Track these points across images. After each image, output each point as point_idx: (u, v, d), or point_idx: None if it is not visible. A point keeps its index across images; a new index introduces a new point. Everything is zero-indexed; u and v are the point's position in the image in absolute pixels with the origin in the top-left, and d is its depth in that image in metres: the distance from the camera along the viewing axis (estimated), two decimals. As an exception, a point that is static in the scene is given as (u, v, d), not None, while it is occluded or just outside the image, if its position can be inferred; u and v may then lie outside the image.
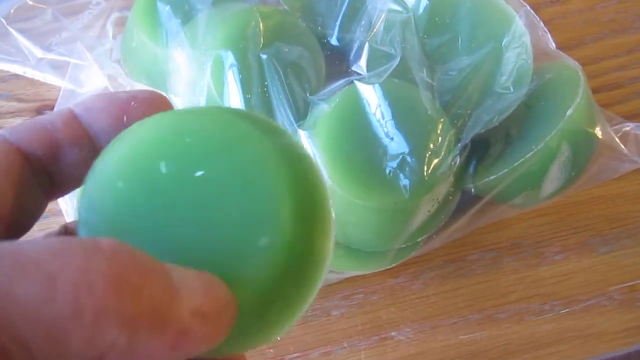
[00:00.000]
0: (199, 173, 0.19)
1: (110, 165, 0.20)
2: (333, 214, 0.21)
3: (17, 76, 0.42)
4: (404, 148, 0.35)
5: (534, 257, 0.43)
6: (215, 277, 0.18)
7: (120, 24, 0.45)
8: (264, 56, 0.37)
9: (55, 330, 0.14)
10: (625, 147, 0.40)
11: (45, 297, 0.14)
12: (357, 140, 0.35)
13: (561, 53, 0.41)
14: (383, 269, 0.38)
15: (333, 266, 0.37)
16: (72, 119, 0.22)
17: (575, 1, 0.53)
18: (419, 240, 0.38)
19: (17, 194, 0.20)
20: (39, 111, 0.44)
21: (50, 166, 0.21)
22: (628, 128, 0.40)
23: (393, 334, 0.41)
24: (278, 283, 0.19)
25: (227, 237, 0.18)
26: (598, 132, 0.38)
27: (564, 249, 0.44)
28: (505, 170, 0.37)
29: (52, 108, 0.40)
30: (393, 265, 0.38)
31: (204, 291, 0.17)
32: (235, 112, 0.22)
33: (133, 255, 0.16)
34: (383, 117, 0.35)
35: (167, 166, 0.19)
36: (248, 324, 0.19)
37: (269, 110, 0.37)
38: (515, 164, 0.37)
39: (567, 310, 0.42)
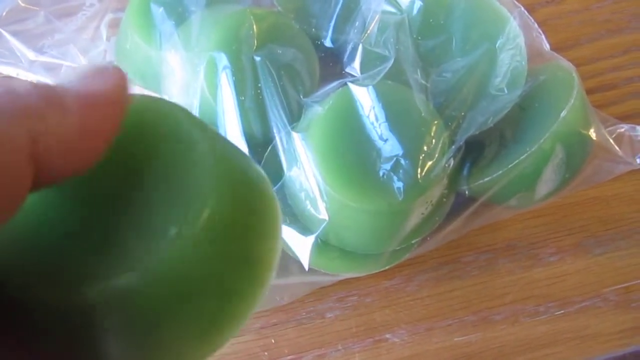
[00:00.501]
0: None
1: None
2: (278, 223, 0.19)
3: (10, 78, 0.41)
4: (398, 150, 0.35)
5: (529, 259, 0.43)
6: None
7: (114, 25, 0.45)
8: (257, 58, 0.37)
9: None
10: (619, 148, 0.40)
11: None
12: (350, 143, 0.35)
13: (555, 54, 0.41)
14: (377, 271, 0.38)
15: (327, 268, 0.37)
16: None
17: (570, 1, 0.53)
18: (413, 242, 0.38)
19: None
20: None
21: None
22: (622, 129, 0.40)
23: (387, 336, 0.41)
24: (189, 277, 0.17)
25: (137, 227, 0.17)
26: (592, 133, 0.38)
27: (558, 250, 0.44)
28: (500, 172, 0.37)
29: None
30: (387, 267, 0.38)
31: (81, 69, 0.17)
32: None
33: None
34: (377, 119, 0.35)
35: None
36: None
37: (263, 112, 0.37)
38: (510, 166, 0.37)
39: (562, 311, 0.42)
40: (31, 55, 0.39)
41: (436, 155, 0.35)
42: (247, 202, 0.19)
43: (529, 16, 0.41)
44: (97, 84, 0.17)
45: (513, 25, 0.39)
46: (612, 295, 0.43)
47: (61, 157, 0.16)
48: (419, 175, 0.35)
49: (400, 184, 0.34)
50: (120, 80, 0.17)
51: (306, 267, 0.36)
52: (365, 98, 0.36)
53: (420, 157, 0.35)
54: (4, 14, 0.39)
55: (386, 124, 0.35)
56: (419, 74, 0.38)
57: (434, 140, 0.35)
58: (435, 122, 0.36)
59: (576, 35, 0.51)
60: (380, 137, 0.35)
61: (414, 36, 0.39)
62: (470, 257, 0.43)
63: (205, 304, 0.17)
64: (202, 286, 0.17)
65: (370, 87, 0.36)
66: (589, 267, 0.43)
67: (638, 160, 0.40)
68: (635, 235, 0.44)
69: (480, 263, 0.43)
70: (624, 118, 0.43)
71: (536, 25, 0.41)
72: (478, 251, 0.43)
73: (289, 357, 0.40)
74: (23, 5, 0.40)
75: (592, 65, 0.50)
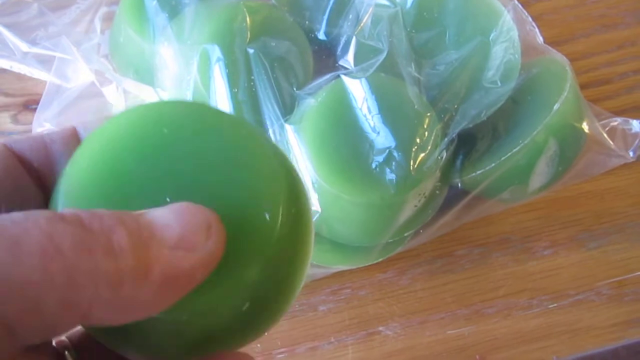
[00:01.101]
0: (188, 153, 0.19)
1: (87, 160, 0.20)
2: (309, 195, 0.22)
3: (4, 71, 0.41)
4: (390, 142, 0.35)
5: (523, 252, 0.43)
6: (188, 202, 0.18)
7: (109, 18, 0.45)
8: (250, 50, 0.37)
9: (27, 295, 0.14)
10: (613, 142, 0.40)
11: (12, 261, 0.14)
12: (343, 135, 0.35)
13: (549, 48, 0.41)
14: (370, 263, 0.38)
15: (319, 261, 0.37)
16: (71, 135, 0.22)
17: (566, -4, 0.53)
18: (406, 235, 0.38)
19: (13, 193, 0.21)
20: (26, 106, 0.44)
21: (47, 176, 0.22)
22: (616, 123, 0.40)
23: (381, 329, 0.41)
24: (278, 257, 0.20)
25: (229, 214, 0.18)
26: (585, 126, 0.38)
27: (552, 244, 0.44)
28: (492, 165, 0.37)
29: (39, 102, 0.40)
30: (380, 260, 0.38)
31: (179, 220, 0.17)
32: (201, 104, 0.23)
33: (95, 213, 0.16)
34: (369, 112, 0.35)
35: (152, 150, 0.19)
36: (256, 299, 0.20)
37: (256, 105, 0.37)
38: (502, 159, 0.37)
39: (555, 305, 0.42)
40: (24, 47, 0.39)
41: (429, 148, 0.35)
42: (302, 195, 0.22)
43: (523, 10, 0.41)
44: (191, 259, 0.16)
45: (507, 19, 0.39)
46: (606, 289, 0.43)
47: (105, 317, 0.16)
48: (411, 168, 0.35)
49: (392, 177, 0.34)
50: (219, 244, 0.17)
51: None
52: (358, 90, 0.36)
53: (413, 150, 0.35)
54: (-2, 6, 0.39)
55: (379, 116, 0.35)
56: (412, 66, 0.38)
57: (426, 133, 0.35)
58: (428, 114, 0.36)
59: (571, 30, 0.51)
60: (373, 130, 0.35)
61: (408, 29, 0.39)
62: (464, 251, 0.43)
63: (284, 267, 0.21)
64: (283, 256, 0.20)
65: (363, 80, 0.36)
66: (582, 261, 0.43)
67: (631, 154, 0.40)
68: (629, 229, 0.44)
69: (473, 257, 0.43)
70: (618, 112, 0.43)
71: (530, 18, 0.41)
72: (472, 245, 0.43)
73: (282, 350, 0.40)
74: (16, -3, 0.40)
75: (586, 60, 0.50)
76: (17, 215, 0.15)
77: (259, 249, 0.19)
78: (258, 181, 0.19)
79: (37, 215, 0.15)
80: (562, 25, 0.51)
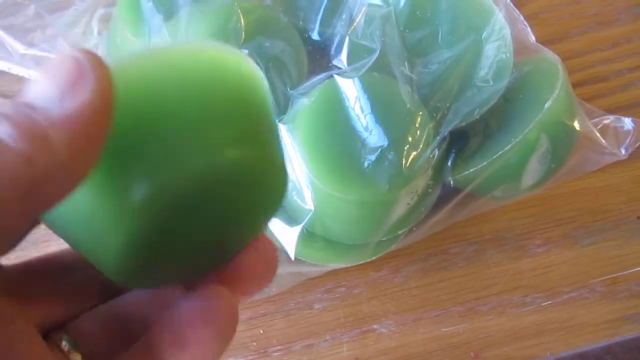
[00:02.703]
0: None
1: None
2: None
3: (3, 73, 0.42)
4: (383, 141, 0.35)
5: (516, 250, 0.44)
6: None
7: (106, 20, 0.45)
8: (245, 51, 0.37)
9: None
10: (605, 139, 0.40)
11: None
12: (336, 134, 0.36)
13: (541, 46, 0.41)
14: (363, 261, 0.39)
15: (313, 259, 0.38)
16: None
17: (560, -5, 0.53)
18: (399, 233, 0.38)
19: None
20: (24, 107, 0.45)
21: None
22: (608, 121, 0.41)
23: (375, 326, 0.41)
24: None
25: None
26: (577, 124, 0.38)
27: (546, 241, 0.44)
28: (484, 162, 0.37)
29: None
30: (374, 257, 0.39)
31: (49, 79, 0.16)
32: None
33: None
34: (362, 111, 0.36)
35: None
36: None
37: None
38: (494, 157, 0.37)
39: (549, 302, 0.42)
40: (21, 48, 0.39)
41: (421, 146, 0.36)
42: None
43: (515, 9, 0.41)
44: (78, 98, 0.16)
45: (499, 17, 0.40)
46: (599, 286, 0.43)
47: (56, 186, 0.16)
48: (403, 166, 0.35)
49: (385, 175, 0.35)
50: (100, 79, 0.17)
51: (292, 257, 0.37)
52: (350, 90, 0.36)
53: (405, 148, 0.35)
54: (-5, 8, 0.39)
55: (371, 115, 0.36)
56: (405, 65, 0.39)
57: (418, 131, 0.36)
58: (420, 113, 0.36)
59: (566, 29, 0.51)
60: (366, 128, 0.36)
61: (401, 28, 0.40)
62: (457, 249, 0.43)
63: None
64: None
65: (356, 79, 0.36)
66: (576, 258, 0.44)
67: (623, 151, 0.40)
68: (623, 226, 0.45)
69: (467, 254, 0.43)
70: (613, 110, 0.43)
71: (522, 17, 0.42)
72: (466, 242, 0.44)
73: (277, 347, 0.40)
74: (14, -1, 0.41)
75: (581, 58, 0.50)
76: None
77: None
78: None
79: None
80: (557, 23, 0.52)
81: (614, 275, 0.43)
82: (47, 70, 0.16)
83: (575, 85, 0.46)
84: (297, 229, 0.37)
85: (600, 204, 0.46)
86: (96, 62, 0.17)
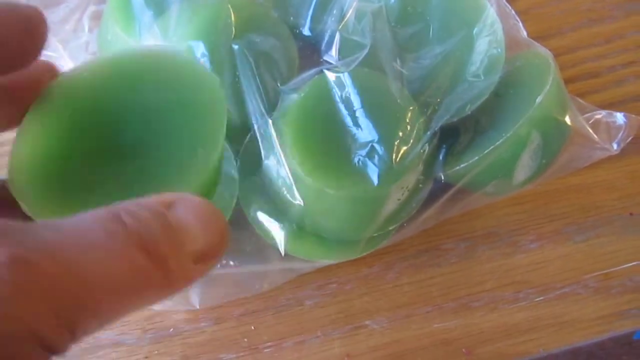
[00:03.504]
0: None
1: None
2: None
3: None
4: (373, 136, 0.35)
5: (509, 246, 0.43)
6: (209, 205, 0.19)
7: (97, 17, 0.45)
8: (235, 47, 0.37)
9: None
10: (597, 134, 0.40)
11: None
12: (326, 129, 0.36)
13: (533, 41, 0.41)
14: (354, 257, 0.39)
15: (304, 255, 0.38)
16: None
17: (554, -10, 0.53)
18: (390, 228, 0.38)
19: None
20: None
21: None
22: (600, 116, 0.40)
23: (367, 323, 0.41)
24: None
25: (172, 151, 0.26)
26: (568, 119, 0.38)
27: (539, 237, 0.44)
28: (476, 158, 0.37)
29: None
30: (364, 254, 0.38)
31: (203, 231, 0.19)
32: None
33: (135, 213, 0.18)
34: (352, 106, 0.36)
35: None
36: None
37: (240, 100, 0.37)
38: (485, 152, 0.37)
39: (541, 298, 0.42)
40: (10, 45, 0.39)
41: (411, 141, 0.35)
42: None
43: (507, 4, 0.41)
44: (206, 269, 0.19)
45: (490, 12, 0.40)
46: (592, 281, 0.43)
47: None
48: (393, 161, 0.35)
49: (375, 170, 0.35)
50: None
51: (282, 253, 0.37)
52: (340, 85, 0.36)
53: (395, 143, 0.35)
54: (-16, 4, 0.39)
55: (361, 110, 0.35)
56: (397, 61, 0.38)
57: (408, 126, 0.36)
58: (411, 108, 0.36)
59: (558, 24, 0.51)
60: (355, 124, 0.35)
61: (392, 24, 0.40)
62: (450, 245, 0.43)
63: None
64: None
65: (346, 74, 0.36)
66: (569, 254, 0.44)
67: (615, 146, 0.40)
68: (616, 222, 0.45)
69: (460, 251, 0.43)
70: (606, 106, 0.43)
71: (513, 12, 0.41)
72: (458, 239, 0.44)
73: (268, 344, 0.40)
74: (3, -4, 0.40)
75: (574, 54, 0.50)
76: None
77: None
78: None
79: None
80: (550, 19, 0.52)
81: (607, 270, 0.43)
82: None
83: (567, 81, 0.46)
84: (287, 225, 0.37)
85: (593, 200, 0.46)
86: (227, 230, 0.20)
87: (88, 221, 0.17)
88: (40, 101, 0.27)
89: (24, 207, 0.25)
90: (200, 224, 0.19)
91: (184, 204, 0.19)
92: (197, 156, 0.26)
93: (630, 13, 0.53)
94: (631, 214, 0.45)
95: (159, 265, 0.17)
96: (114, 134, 0.27)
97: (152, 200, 0.19)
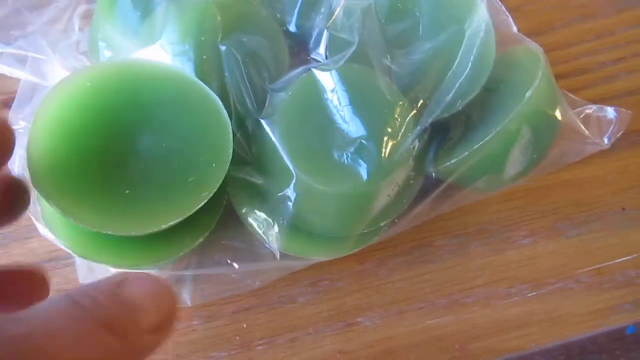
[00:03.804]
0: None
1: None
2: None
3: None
4: (361, 132, 0.35)
5: (501, 242, 0.43)
6: (157, 280, 0.22)
7: (87, 16, 0.45)
8: (222, 47, 0.37)
9: None
10: (587, 129, 0.40)
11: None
12: (314, 126, 0.36)
13: (523, 37, 0.41)
14: (345, 254, 0.38)
15: (295, 252, 0.37)
16: None
17: (544, -13, 0.53)
18: (381, 225, 0.38)
19: None
20: (5, 103, 0.44)
21: None
22: (590, 110, 0.40)
23: (359, 319, 0.41)
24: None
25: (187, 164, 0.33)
26: (558, 114, 0.38)
27: (531, 232, 0.44)
28: (466, 153, 0.37)
29: (17, 100, 0.40)
30: (356, 250, 0.38)
31: (156, 306, 0.21)
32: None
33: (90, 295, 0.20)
34: (340, 103, 0.36)
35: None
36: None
37: (229, 100, 0.37)
38: (476, 147, 0.37)
39: (534, 293, 0.42)
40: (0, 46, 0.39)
41: (400, 137, 0.35)
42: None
43: (497, 0, 0.41)
44: (161, 339, 0.21)
45: (481, 8, 0.39)
46: (585, 277, 0.43)
47: None
48: (383, 157, 0.35)
49: (364, 166, 0.35)
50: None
51: (276, 253, 0.37)
52: (328, 82, 0.36)
53: (384, 139, 0.35)
54: (-28, 5, 0.39)
55: (349, 106, 0.35)
56: (387, 57, 0.38)
57: (397, 122, 0.36)
58: (400, 103, 0.36)
59: (550, 20, 0.51)
60: (344, 120, 0.35)
61: (382, 21, 0.40)
62: (442, 241, 0.43)
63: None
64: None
65: (334, 71, 0.36)
66: (561, 249, 0.44)
67: (606, 140, 0.40)
68: (608, 217, 0.45)
69: (452, 247, 0.43)
70: (597, 102, 0.43)
71: (503, 8, 0.41)
72: (450, 235, 0.44)
73: (261, 341, 0.40)
74: (-8, -3, 0.41)
75: (565, 50, 0.50)
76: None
77: None
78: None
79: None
80: (541, 15, 0.52)
81: (600, 265, 0.43)
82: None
83: (558, 77, 0.46)
84: (279, 223, 0.37)
85: (585, 195, 0.46)
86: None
87: (49, 310, 0.19)
88: (48, 103, 0.32)
89: (48, 199, 0.30)
90: (150, 299, 0.21)
91: (133, 283, 0.21)
92: (214, 169, 0.33)
93: (622, 9, 0.53)
94: (623, 208, 0.45)
95: (121, 339, 0.19)
96: (125, 144, 0.33)
97: (103, 282, 0.21)
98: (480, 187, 0.39)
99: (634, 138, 0.48)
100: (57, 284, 0.40)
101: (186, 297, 0.39)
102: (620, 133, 0.40)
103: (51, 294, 0.39)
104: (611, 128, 0.40)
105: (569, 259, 0.43)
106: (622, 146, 0.47)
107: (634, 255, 0.43)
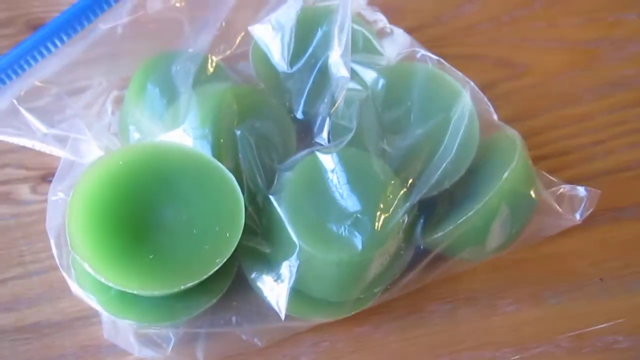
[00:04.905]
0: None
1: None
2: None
3: (25, 148, 0.46)
4: (357, 207, 0.40)
5: (488, 308, 0.47)
6: None
7: (119, 101, 0.50)
8: (238, 132, 0.42)
9: None
10: (561, 206, 0.44)
11: None
12: (316, 202, 0.40)
13: (503, 124, 0.46)
14: (343, 316, 0.43)
15: (298, 313, 0.42)
16: None
17: (528, 77, 0.58)
18: (375, 291, 0.42)
19: None
20: (44, 178, 0.50)
21: None
22: (564, 189, 0.45)
23: (356, 379, 0.44)
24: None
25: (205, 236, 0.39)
26: (533, 193, 0.43)
27: (516, 300, 0.48)
28: (451, 227, 0.42)
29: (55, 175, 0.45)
30: (353, 313, 0.43)
31: None
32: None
33: None
34: (339, 182, 0.41)
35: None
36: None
37: (242, 179, 0.42)
38: (460, 221, 0.41)
39: (517, 357, 0.46)
40: (43, 128, 0.45)
41: (391, 212, 0.40)
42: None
43: (479, 90, 0.46)
44: None
45: (465, 98, 0.45)
46: (565, 341, 0.46)
47: None
48: (376, 230, 0.40)
49: (359, 237, 0.39)
50: None
51: (282, 315, 0.41)
52: (329, 163, 0.41)
53: (377, 214, 0.40)
54: (22, 93, 0.45)
55: (347, 185, 0.40)
56: (384, 142, 0.44)
57: (389, 199, 0.40)
58: (392, 182, 0.41)
59: (533, 107, 0.57)
60: (342, 197, 0.40)
61: (378, 109, 0.45)
62: (434, 307, 0.47)
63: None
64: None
65: (334, 154, 0.41)
66: (544, 316, 0.47)
67: (578, 216, 0.44)
68: (586, 288, 0.48)
69: (443, 312, 0.47)
70: (578, 181, 0.47)
71: (486, 98, 0.47)
72: (442, 301, 0.47)
73: (265, 398, 0.44)
74: (38, 84, 0.46)
75: (547, 134, 0.55)
76: None
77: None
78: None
79: None
80: (525, 102, 0.57)
81: (580, 331, 0.47)
82: None
83: (540, 158, 0.52)
84: (285, 289, 0.41)
85: (567, 266, 0.50)
86: None
87: None
88: (86, 178, 0.39)
89: (82, 261, 0.36)
90: None
91: None
92: (227, 238, 0.39)
93: (602, 97, 0.58)
94: (601, 279, 0.49)
95: None
96: (151, 215, 0.39)
97: None
98: (466, 257, 0.44)
99: (612, 214, 0.52)
100: (84, 341, 0.44)
101: (200, 354, 0.43)
102: (590, 210, 0.44)
103: (77, 350, 0.43)
104: (582, 205, 0.44)
105: (551, 325, 0.47)
106: (602, 221, 0.51)
107: (611, 323, 0.47)
